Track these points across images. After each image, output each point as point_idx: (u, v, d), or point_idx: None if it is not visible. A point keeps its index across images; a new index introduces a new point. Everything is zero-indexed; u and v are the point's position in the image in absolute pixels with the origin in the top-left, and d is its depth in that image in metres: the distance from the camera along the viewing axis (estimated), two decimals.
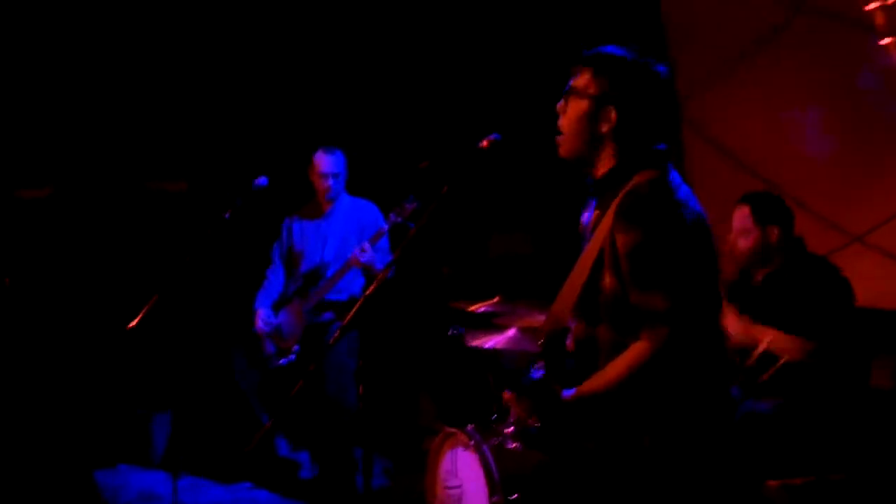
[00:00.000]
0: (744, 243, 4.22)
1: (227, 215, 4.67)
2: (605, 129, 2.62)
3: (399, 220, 5.19)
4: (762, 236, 4.19)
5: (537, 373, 2.65)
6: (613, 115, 2.61)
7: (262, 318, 5.54)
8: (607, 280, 2.54)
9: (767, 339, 3.99)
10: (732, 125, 6.04)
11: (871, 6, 5.13)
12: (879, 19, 5.13)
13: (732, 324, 4.08)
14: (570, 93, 2.68)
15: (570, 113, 2.67)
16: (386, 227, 5.28)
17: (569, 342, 2.71)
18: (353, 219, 5.64)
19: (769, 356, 4.06)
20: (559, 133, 2.71)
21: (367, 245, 5.28)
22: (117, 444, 6.11)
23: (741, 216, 4.23)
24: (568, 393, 2.53)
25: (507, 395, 2.80)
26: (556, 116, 2.72)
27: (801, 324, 3.99)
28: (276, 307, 5.62)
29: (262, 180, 4.92)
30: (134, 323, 4.32)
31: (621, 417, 2.51)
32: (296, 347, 5.42)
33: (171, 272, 4.45)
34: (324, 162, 5.57)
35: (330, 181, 5.56)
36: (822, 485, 3.71)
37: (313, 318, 5.49)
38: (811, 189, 5.49)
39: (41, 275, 6.43)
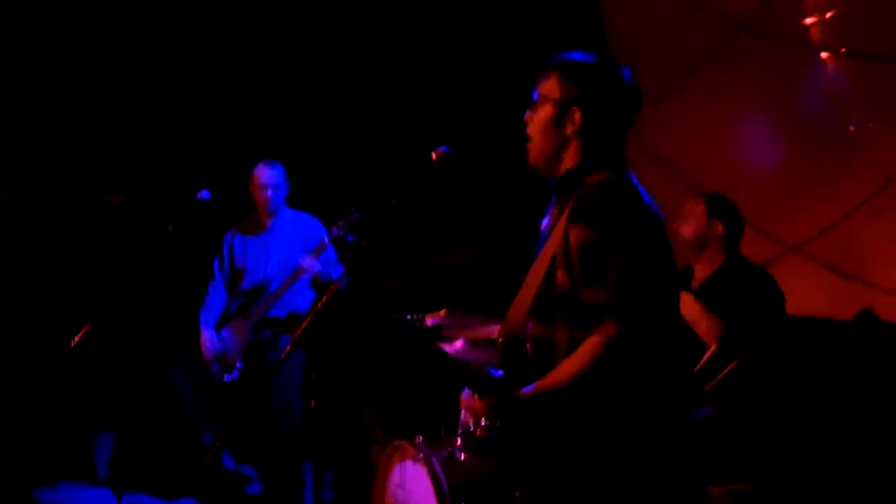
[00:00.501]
0: (686, 230, 4.26)
1: (169, 228, 4.62)
2: (569, 130, 2.68)
3: (342, 233, 5.18)
4: (707, 226, 4.24)
5: (497, 373, 2.68)
6: (578, 116, 2.66)
7: (208, 339, 5.47)
8: (560, 278, 2.58)
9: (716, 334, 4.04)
10: (675, 139, 6.15)
11: (809, 21, 5.26)
12: (816, 35, 5.26)
13: (686, 307, 4.12)
14: (537, 100, 2.73)
15: (537, 119, 2.72)
16: (327, 239, 5.25)
17: (528, 345, 2.73)
18: (295, 232, 5.59)
19: (717, 363, 4.13)
20: (527, 141, 2.75)
21: (310, 256, 5.28)
22: (58, 462, 6.00)
23: (693, 205, 4.26)
24: (526, 390, 2.56)
25: (466, 398, 2.81)
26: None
27: (734, 326, 4.06)
28: (219, 325, 5.55)
29: (204, 193, 4.87)
30: (77, 339, 4.25)
31: (577, 417, 2.54)
32: (239, 364, 5.37)
33: (112, 286, 4.39)
34: (264, 174, 5.51)
35: (269, 192, 5.49)
36: (764, 491, 3.77)
37: (255, 335, 5.45)
38: (751, 201, 5.55)
39: None
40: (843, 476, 4.10)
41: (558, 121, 2.68)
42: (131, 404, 5.76)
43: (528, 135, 2.75)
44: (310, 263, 5.29)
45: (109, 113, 6.72)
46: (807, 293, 4.36)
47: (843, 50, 5.18)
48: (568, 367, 2.51)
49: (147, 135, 6.80)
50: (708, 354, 4.13)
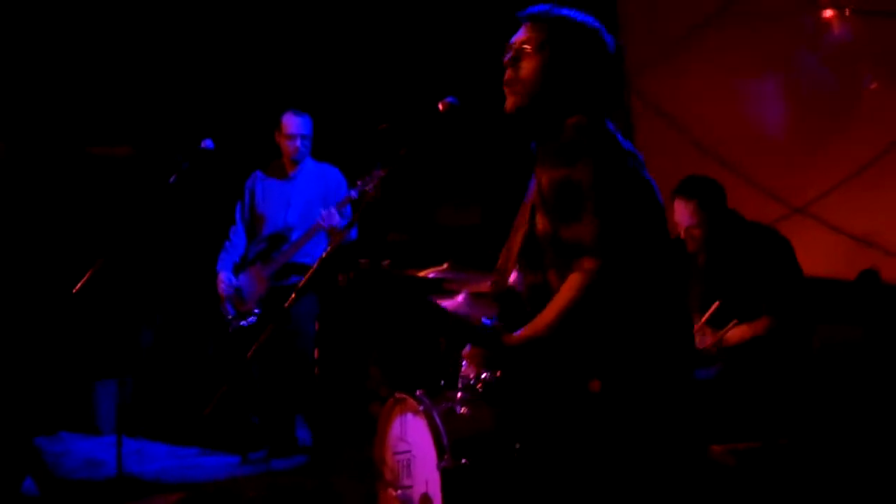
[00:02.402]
0: (697, 233, 4.26)
1: (172, 179, 4.60)
2: (546, 79, 2.67)
3: (367, 188, 5.16)
4: (709, 224, 4.24)
5: (489, 322, 2.68)
6: (554, 64, 2.66)
7: (224, 280, 5.51)
8: (540, 223, 2.59)
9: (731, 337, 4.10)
10: (681, 98, 6.13)
11: None
12: None
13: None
14: (513, 46, 2.72)
15: (516, 66, 2.71)
16: (354, 194, 5.25)
17: (522, 293, 2.73)
18: (317, 183, 5.63)
19: (715, 320, 4.15)
20: (507, 84, 2.73)
21: (332, 210, 5.29)
22: (59, 412, 6.03)
23: (690, 211, 4.24)
24: (515, 335, 2.55)
25: (465, 356, 2.81)
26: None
27: (754, 294, 4.08)
28: (237, 269, 5.59)
29: (208, 142, 4.83)
30: (78, 287, 4.24)
31: (569, 360, 2.52)
32: (256, 310, 5.38)
33: (116, 236, 4.38)
34: (293, 123, 5.56)
35: (298, 142, 5.56)
36: (767, 449, 3.79)
37: (277, 281, 5.45)
38: (755, 161, 5.59)
39: None
40: (845, 435, 4.11)
41: (535, 68, 2.67)
42: (133, 354, 5.78)
43: (509, 80, 2.73)
44: (329, 216, 5.29)
45: (115, 63, 6.67)
46: (810, 254, 4.34)
47: (850, 8, 5.14)
48: (553, 308, 2.49)
49: (153, 85, 6.75)
50: (713, 308, 4.14)
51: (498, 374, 2.72)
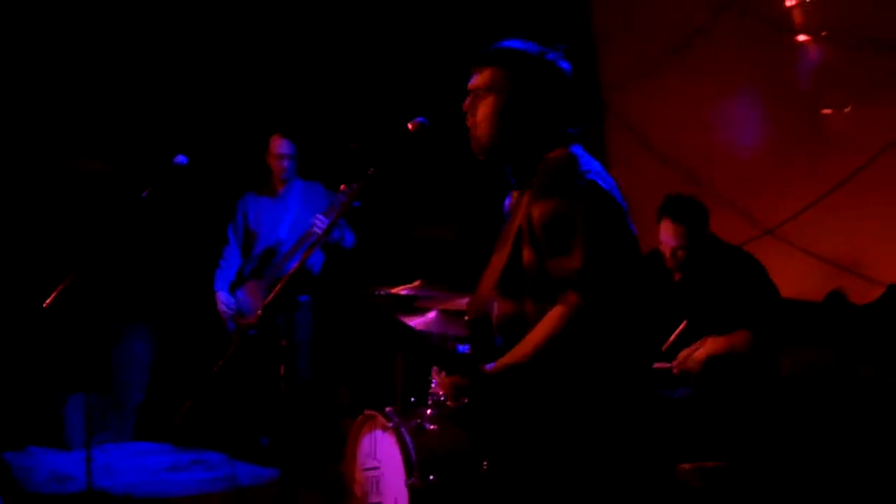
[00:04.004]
0: (683, 254, 4.30)
1: (144, 194, 4.59)
2: (505, 118, 2.70)
3: (346, 198, 5.27)
4: (694, 247, 4.28)
5: (463, 348, 2.69)
6: (512, 102, 2.69)
7: (222, 300, 5.79)
8: (526, 255, 2.60)
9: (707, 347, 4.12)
10: (655, 118, 6.18)
11: (790, 4, 5.28)
12: (797, 18, 5.28)
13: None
14: (474, 90, 2.75)
15: (477, 109, 2.74)
16: (336, 202, 5.44)
17: (494, 321, 2.75)
18: (305, 199, 5.92)
19: (684, 338, 4.18)
20: (469, 130, 2.77)
21: (321, 217, 5.49)
22: (29, 427, 6.00)
23: (680, 234, 4.28)
24: (491, 365, 2.57)
25: (435, 374, 2.82)
26: None
27: (731, 313, 4.11)
28: (233, 287, 5.84)
29: (181, 158, 4.84)
30: (49, 301, 4.22)
31: (543, 390, 2.54)
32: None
33: (88, 251, 4.36)
34: (281, 144, 5.87)
35: (285, 162, 5.88)
36: (734, 469, 3.81)
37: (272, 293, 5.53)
38: (726, 182, 5.63)
39: None
40: (812, 456, 4.14)
41: (499, 110, 2.70)
42: (104, 368, 5.79)
43: (471, 125, 2.76)
44: (322, 223, 5.49)
45: (90, 79, 6.66)
46: (780, 275, 4.37)
47: (825, 34, 5.20)
48: (533, 340, 2.51)
49: (128, 101, 6.76)
50: (681, 326, 4.17)
51: (465, 400, 2.73)
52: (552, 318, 2.49)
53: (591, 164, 2.64)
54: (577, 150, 2.67)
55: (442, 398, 4.02)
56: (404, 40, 6.73)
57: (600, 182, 2.59)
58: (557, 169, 2.60)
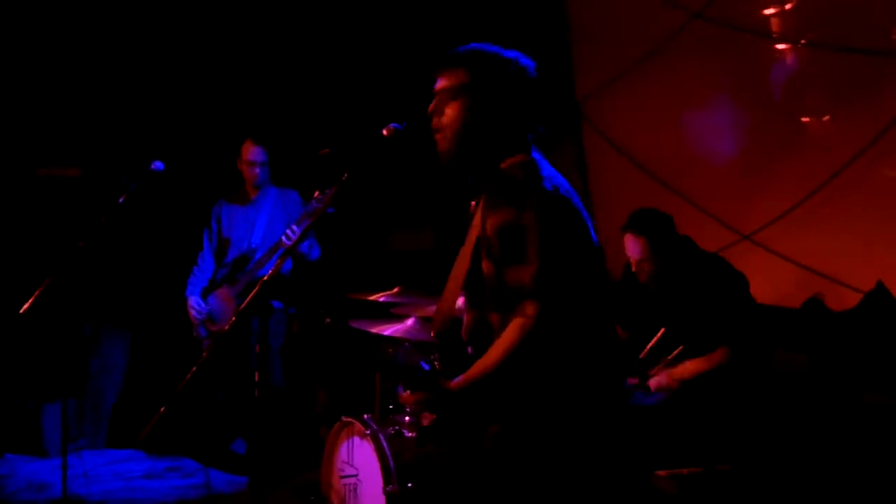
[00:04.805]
0: (649, 266, 4.31)
1: (121, 200, 4.56)
2: (470, 120, 2.70)
3: (320, 205, 5.28)
4: (660, 258, 4.29)
5: (426, 366, 2.68)
6: (476, 104, 2.69)
7: (193, 305, 5.76)
8: (485, 266, 2.60)
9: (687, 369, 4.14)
10: (630, 124, 6.18)
11: (768, 12, 5.29)
12: (775, 25, 5.30)
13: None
14: (438, 93, 2.75)
15: (443, 112, 2.74)
16: (309, 209, 5.43)
17: (463, 332, 2.74)
18: (278, 206, 5.91)
19: (662, 346, 4.19)
20: (435, 132, 2.77)
21: (294, 227, 5.44)
22: (6, 434, 5.96)
23: (641, 247, 4.29)
24: (455, 381, 2.56)
25: (401, 392, 2.81)
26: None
27: (707, 323, 4.13)
28: (205, 293, 5.82)
29: (157, 164, 4.83)
30: (25, 307, 4.19)
31: (509, 402, 2.55)
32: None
33: (64, 257, 4.33)
34: (252, 151, 5.84)
35: (257, 169, 5.84)
36: (709, 475, 3.81)
37: (242, 300, 5.50)
38: (703, 188, 5.65)
39: None
40: (787, 461, 4.15)
41: (462, 113, 2.70)
42: (80, 376, 5.76)
43: (436, 126, 2.76)
44: (293, 233, 5.44)
45: (66, 84, 6.63)
46: (757, 281, 4.39)
47: (803, 41, 5.22)
48: (493, 354, 2.52)
49: (104, 107, 6.74)
50: (658, 335, 4.19)
51: (433, 418, 2.73)
52: (511, 330, 2.50)
53: (549, 171, 2.65)
54: (537, 156, 2.68)
55: (409, 413, 4.03)
56: (378, 43, 6.73)
57: (559, 189, 2.59)
58: (511, 177, 2.61)
